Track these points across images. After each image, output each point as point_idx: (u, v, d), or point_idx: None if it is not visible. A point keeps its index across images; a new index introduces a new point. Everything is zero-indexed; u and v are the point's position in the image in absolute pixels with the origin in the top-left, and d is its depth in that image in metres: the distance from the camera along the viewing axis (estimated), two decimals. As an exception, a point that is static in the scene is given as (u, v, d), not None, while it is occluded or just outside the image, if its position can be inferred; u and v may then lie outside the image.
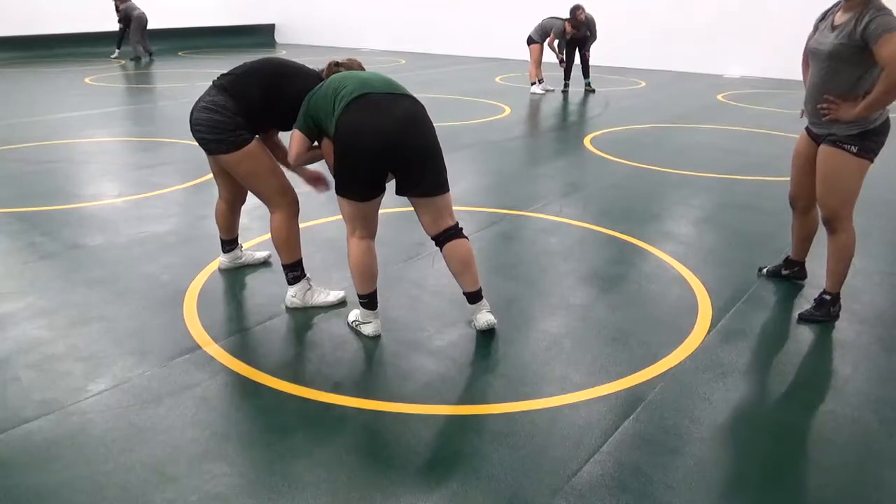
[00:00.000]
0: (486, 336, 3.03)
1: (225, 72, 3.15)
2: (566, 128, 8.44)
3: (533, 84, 10.35)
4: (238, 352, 2.88)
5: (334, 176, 2.87)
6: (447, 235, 2.94)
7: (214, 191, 3.61)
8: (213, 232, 3.76)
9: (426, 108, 2.89)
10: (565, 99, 10.09)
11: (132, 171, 5.97)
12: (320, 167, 3.23)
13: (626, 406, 2.52)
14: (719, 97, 10.38)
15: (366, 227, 2.93)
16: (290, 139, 2.95)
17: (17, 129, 7.42)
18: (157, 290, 3.47)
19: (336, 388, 2.62)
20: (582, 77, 10.44)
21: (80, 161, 6.26)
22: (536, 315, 3.30)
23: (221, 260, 3.67)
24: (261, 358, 2.85)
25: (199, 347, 2.90)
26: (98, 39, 15.09)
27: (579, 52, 10.29)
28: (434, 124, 2.89)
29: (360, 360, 2.88)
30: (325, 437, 2.35)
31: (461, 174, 5.86)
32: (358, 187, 2.83)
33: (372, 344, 2.97)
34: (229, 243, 3.63)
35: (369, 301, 3.00)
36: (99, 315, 3.19)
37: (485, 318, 3.02)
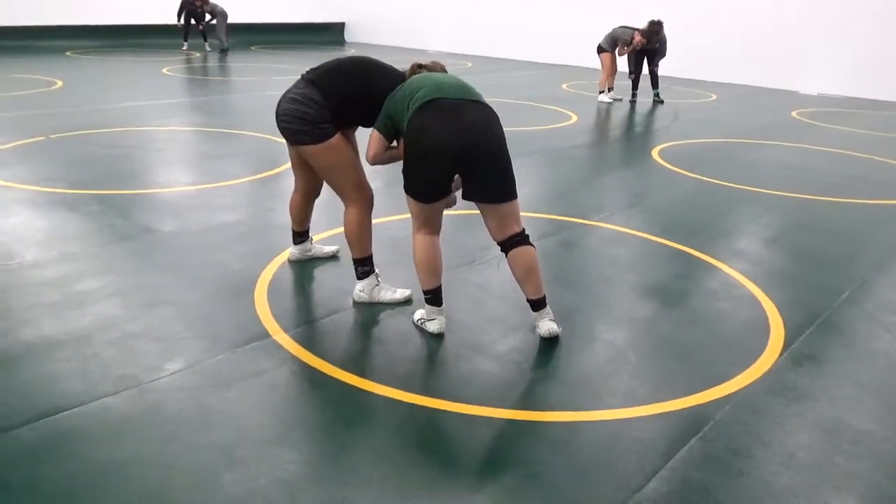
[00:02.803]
0: (549, 343, 3.02)
1: (314, 66, 3.21)
2: (633, 138, 8.32)
3: (601, 92, 10.25)
4: (306, 342, 2.93)
5: (403, 174, 2.91)
6: (512, 242, 2.94)
7: (282, 184, 3.70)
8: (282, 223, 3.84)
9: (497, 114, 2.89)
10: (633, 109, 9.96)
11: (204, 161, 6.15)
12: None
13: (693, 424, 2.47)
14: (794, 114, 10.08)
15: (430, 224, 2.96)
16: (369, 138, 3.00)
17: (100, 115, 7.74)
18: (227, 277, 3.56)
19: (400, 384, 2.64)
20: (651, 88, 10.28)
21: (156, 148, 6.48)
22: (600, 326, 3.26)
23: (291, 251, 3.74)
24: (327, 349, 2.90)
25: (268, 335, 2.97)
26: (172, 32, 15.58)
27: (648, 64, 10.15)
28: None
29: (424, 359, 2.90)
30: (389, 431, 2.37)
31: (526, 180, 5.84)
32: (422, 189, 2.87)
33: (435, 343, 2.99)
34: (301, 235, 3.70)
35: (434, 297, 3.02)
36: (172, 298, 3.29)
37: (547, 326, 3.00)
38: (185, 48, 15.18)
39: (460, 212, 4.13)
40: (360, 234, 3.24)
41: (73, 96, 8.97)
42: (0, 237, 3.94)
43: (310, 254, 3.76)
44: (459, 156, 2.76)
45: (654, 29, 9.59)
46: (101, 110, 8.05)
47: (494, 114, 2.88)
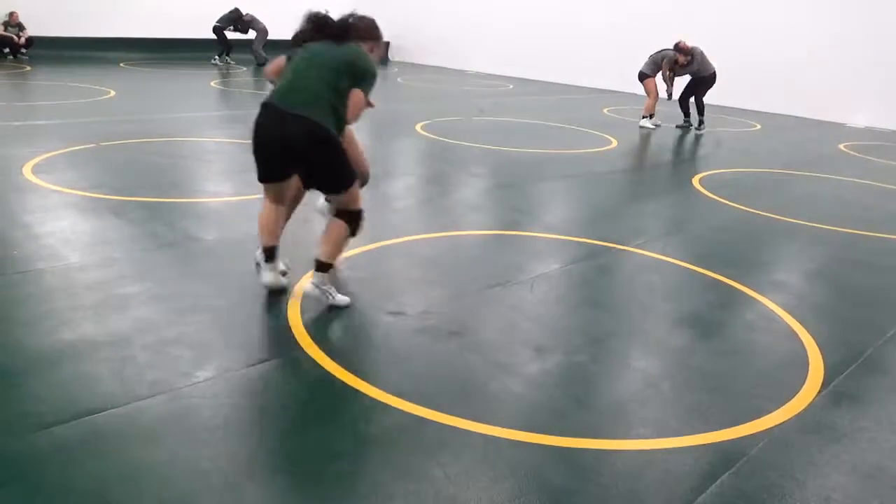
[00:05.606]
0: (581, 369, 2.99)
1: None
2: (675, 165, 8.25)
3: (644, 118, 10.19)
4: (336, 356, 2.94)
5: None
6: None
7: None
8: (317, 237, 3.86)
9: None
10: (675, 136, 9.87)
11: (247, 172, 6.23)
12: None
13: (726, 459, 2.41)
14: (841, 147, 9.88)
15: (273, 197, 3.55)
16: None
17: (149, 124, 7.95)
18: (263, 288, 3.60)
19: (428, 403, 2.63)
20: (696, 115, 10.18)
21: (201, 158, 6.63)
22: (634, 353, 3.22)
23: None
24: (357, 365, 2.91)
25: (299, 348, 2.99)
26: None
27: (695, 95, 10.04)
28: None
29: (453, 378, 2.89)
30: (415, 449, 2.37)
31: (564, 203, 5.83)
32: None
33: (466, 363, 2.98)
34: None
35: (269, 255, 3.46)
36: (209, 306, 3.35)
37: (308, 286, 3.40)
38: (214, 62, 15.14)
39: (494, 231, 4.14)
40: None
41: (125, 106, 9.24)
42: (48, 239, 4.06)
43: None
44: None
45: (680, 45, 9.61)
46: (150, 120, 8.27)
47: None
